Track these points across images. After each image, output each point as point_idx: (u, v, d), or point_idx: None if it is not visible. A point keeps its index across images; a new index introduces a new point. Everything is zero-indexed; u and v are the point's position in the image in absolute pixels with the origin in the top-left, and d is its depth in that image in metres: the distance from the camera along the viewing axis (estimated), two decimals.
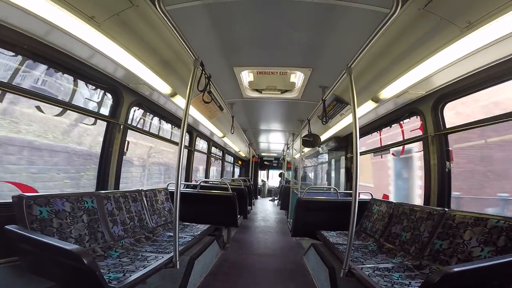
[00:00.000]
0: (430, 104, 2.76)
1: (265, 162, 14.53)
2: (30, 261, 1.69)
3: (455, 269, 1.17)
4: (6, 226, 1.58)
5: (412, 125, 3.43)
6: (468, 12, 1.60)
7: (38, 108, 2.21)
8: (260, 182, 14.51)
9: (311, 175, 10.75)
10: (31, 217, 1.74)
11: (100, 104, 2.77)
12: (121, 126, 2.88)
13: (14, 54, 1.88)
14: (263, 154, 13.35)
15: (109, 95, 2.82)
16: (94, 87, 2.61)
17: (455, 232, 1.94)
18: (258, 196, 13.15)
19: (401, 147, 3.94)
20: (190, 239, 2.78)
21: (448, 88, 2.50)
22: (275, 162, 14.46)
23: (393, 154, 4.04)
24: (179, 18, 1.85)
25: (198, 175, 7.68)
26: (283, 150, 10.26)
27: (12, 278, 1.73)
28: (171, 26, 1.80)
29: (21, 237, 1.55)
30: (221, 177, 8.84)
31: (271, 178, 16.10)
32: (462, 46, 1.80)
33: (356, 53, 2.07)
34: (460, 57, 1.93)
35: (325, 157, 7.99)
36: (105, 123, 2.81)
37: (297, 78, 3.26)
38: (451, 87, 2.46)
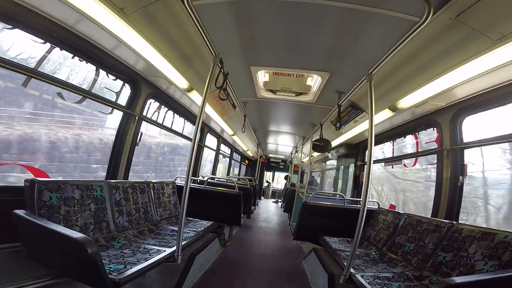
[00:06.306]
0: (449, 116, 2.69)
1: (272, 164, 14.51)
2: (32, 248, 1.68)
3: (457, 281, 1.17)
4: (14, 211, 1.58)
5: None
6: (503, 24, 1.55)
7: (59, 94, 2.25)
8: (265, 183, 14.49)
9: (317, 180, 10.65)
10: (40, 202, 1.73)
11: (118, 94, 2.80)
12: (136, 117, 2.91)
13: (44, 41, 1.92)
14: (270, 155, 13.34)
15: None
16: (114, 78, 2.64)
17: (461, 245, 1.92)
18: (262, 197, 13.13)
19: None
20: (192, 235, 2.79)
21: (470, 101, 2.43)
22: (282, 164, 14.42)
23: (404, 165, 3.95)
24: (203, 14, 1.86)
25: (204, 170, 7.70)
26: (291, 153, 10.21)
27: (12, 264, 1.72)
28: (195, 21, 1.80)
29: (28, 223, 1.54)
30: (228, 174, 8.86)
31: (276, 180, 16.05)
32: (492, 58, 1.75)
33: (378, 60, 2.03)
34: (488, 70, 1.88)
35: (333, 163, 7.90)
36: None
37: (314, 81, 3.24)
38: (472, 100, 2.39)
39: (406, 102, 2.72)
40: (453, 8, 1.57)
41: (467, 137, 2.64)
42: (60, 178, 1.97)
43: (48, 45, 1.96)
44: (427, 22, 1.52)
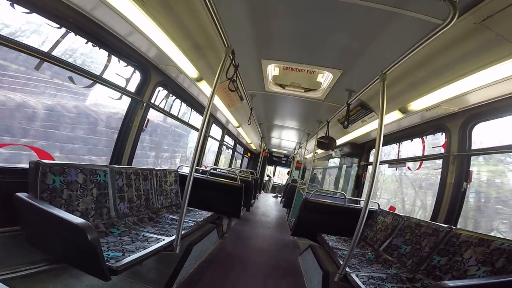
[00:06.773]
0: (459, 122, 2.66)
1: (274, 158, 14.52)
2: (32, 232, 1.66)
3: (450, 285, 1.19)
4: (16, 194, 1.56)
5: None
6: None
7: (70, 78, 2.25)
8: (265, 177, 14.54)
9: (319, 177, 10.66)
10: (43, 185, 1.70)
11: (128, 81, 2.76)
12: (144, 104, 2.91)
13: (59, 26, 1.91)
14: (273, 149, 13.33)
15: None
16: (125, 64, 2.63)
17: (456, 250, 1.94)
18: (262, 191, 13.19)
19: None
20: (192, 224, 2.79)
21: (482, 108, 2.40)
22: (284, 159, 14.43)
23: (409, 168, 3.92)
24: (218, 4, 1.83)
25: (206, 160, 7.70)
26: (294, 149, 10.19)
27: (9, 248, 1.69)
28: (210, 10, 1.77)
29: (30, 207, 1.52)
30: (230, 166, 8.88)
31: (277, 175, 16.08)
32: None
33: (394, 61, 1.99)
34: (507, 77, 1.83)
35: (336, 161, 7.88)
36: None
37: (324, 78, 3.20)
38: (485, 106, 2.36)
39: (418, 104, 2.68)
40: (480, 13, 1.52)
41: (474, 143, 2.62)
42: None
43: (63, 30, 1.95)
44: (450, 25, 1.47)
